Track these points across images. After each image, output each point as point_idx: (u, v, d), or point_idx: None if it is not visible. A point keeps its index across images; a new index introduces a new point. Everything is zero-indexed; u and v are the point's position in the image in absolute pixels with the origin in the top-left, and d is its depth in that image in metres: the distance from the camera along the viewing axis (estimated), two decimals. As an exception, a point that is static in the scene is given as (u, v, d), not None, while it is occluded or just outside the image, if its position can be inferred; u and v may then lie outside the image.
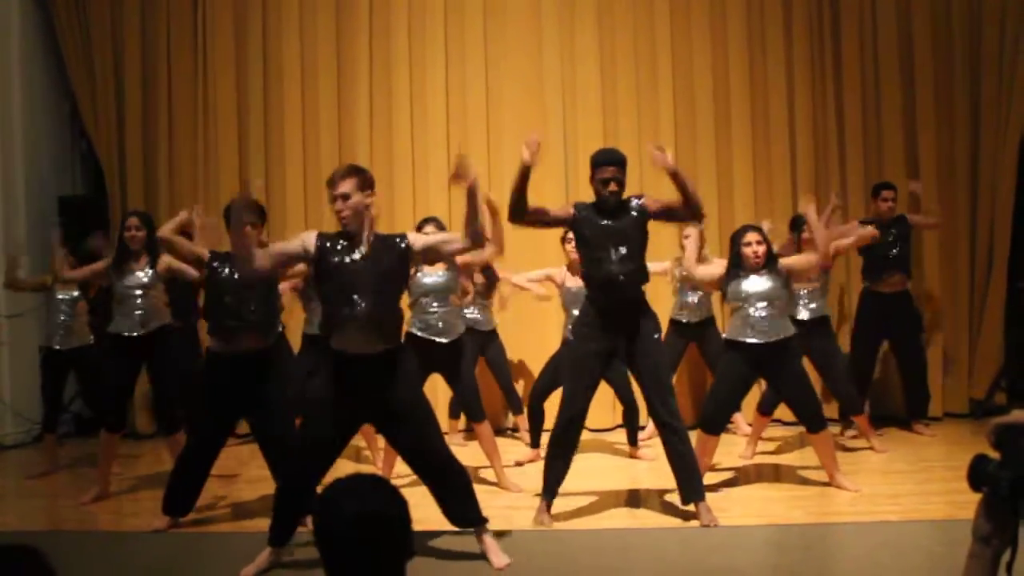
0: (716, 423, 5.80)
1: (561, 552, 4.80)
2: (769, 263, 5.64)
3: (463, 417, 7.64)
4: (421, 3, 8.38)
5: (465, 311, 6.61)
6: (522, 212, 5.10)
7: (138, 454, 7.59)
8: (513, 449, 7.19)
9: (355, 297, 4.28)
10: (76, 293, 6.91)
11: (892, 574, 4.33)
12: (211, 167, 8.44)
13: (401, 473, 5.79)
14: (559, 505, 5.37)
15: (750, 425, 7.14)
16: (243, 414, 5.38)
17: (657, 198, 5.35)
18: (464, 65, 8.35)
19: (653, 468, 6.60)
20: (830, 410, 7.26)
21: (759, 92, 8.19)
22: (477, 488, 4.84)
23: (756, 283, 5.61)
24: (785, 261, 5.77)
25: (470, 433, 7.45)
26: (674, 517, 5.32)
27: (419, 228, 5.87)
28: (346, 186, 4.35)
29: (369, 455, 6.95)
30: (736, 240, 5.73)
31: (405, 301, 5.18)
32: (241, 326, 5.15)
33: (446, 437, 5.08)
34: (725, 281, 5.73)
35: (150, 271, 6.03)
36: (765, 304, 5.57)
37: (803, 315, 6.64)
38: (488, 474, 6.29)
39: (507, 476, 6.19)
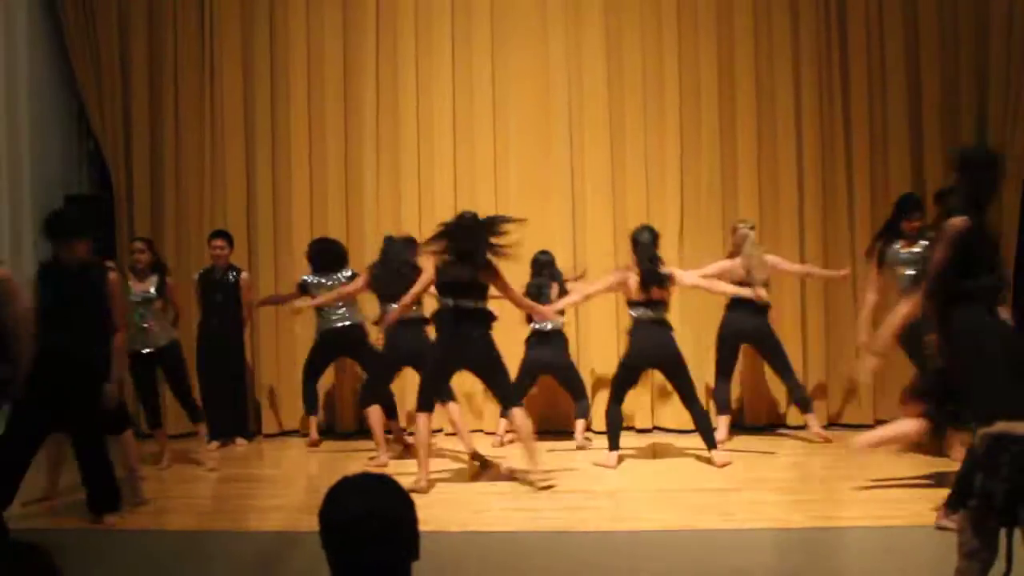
0: None
1: (565, 553, 4.80)
2: None
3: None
4: (427, 3, 8.39)
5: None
6: None
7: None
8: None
9: None
10: (152, 292, 6.92)
11: (896, 579, 4.33)
12: (217, 166, 8.46)
13: (404, 472, 5.79)
14: (562, 508, 5.37)
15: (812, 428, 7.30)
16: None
17: None
18: (470, 66, 8.35)
19: (668, 469, 6.60)
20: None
21: (765, 95, 8.17)
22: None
23: None
24: None
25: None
26: (679, 520, 5.32)
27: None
28: None
29: (376, 454, 6.95)
30: None
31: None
32: None
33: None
34: None
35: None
36: None
37: None
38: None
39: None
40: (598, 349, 8.09)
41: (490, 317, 6.15)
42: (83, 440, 5.34)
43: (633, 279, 6.55)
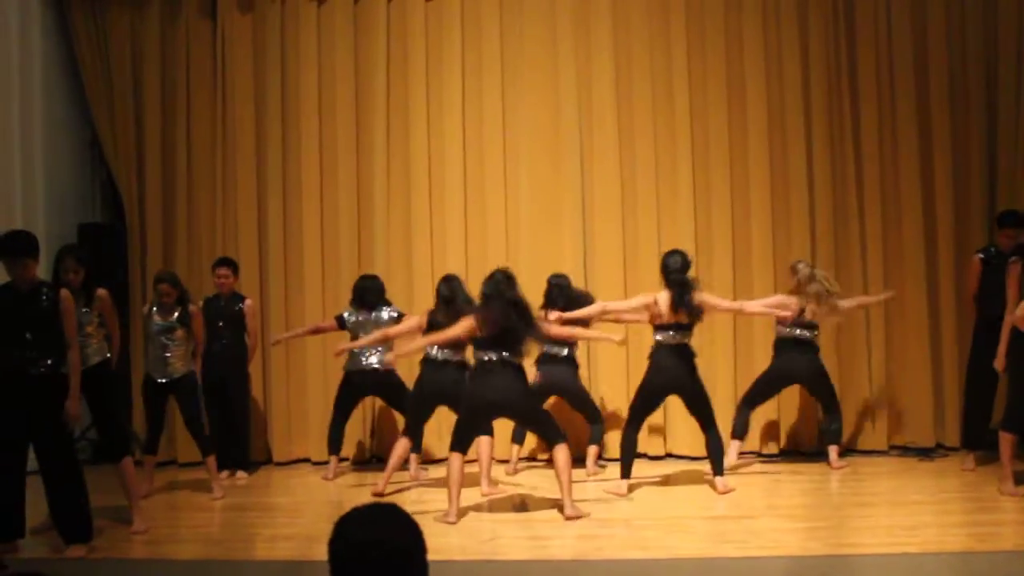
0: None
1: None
2: None
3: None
4: (438, 31, 8.43)
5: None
6: None
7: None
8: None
9: None
10: (175, 320, 6.85)
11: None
12: (229, 196, 8.49)
13: (418, 500, 5.77)
14: (575, 536, 5.32)
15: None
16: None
17: None
18: (481, 91, 8.38)
19: (683, 497, 6.56)
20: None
21: (775, 110, 8.16)
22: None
23: None
24: None
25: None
26: (693, 548, 5.27)
27: None
28: None
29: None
30: None
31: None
32: None
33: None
34: None
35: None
36: None
37: None
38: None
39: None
40: (607, 375, 8.06)
41: (523, 370, 6.11)
42: (48, 463, 5.28)
43: (664, 302, 6.53)
